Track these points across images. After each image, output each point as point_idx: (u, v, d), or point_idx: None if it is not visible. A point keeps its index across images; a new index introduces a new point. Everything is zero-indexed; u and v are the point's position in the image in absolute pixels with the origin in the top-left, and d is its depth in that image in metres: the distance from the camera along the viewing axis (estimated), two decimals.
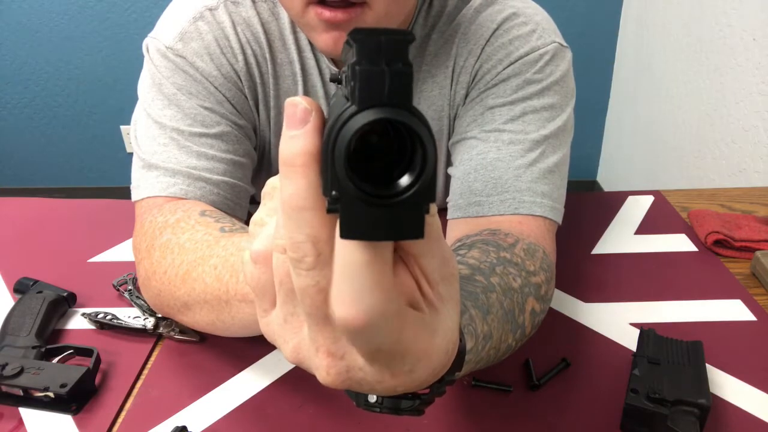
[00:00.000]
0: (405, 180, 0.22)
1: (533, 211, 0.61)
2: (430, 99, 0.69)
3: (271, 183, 0.30)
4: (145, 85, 0.65)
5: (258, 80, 0.67)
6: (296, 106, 0.24)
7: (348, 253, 0.23)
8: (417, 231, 0.22)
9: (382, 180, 0.22)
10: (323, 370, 0.27)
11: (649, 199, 0.88)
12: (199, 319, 0.54)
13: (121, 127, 2.36)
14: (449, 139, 0.70)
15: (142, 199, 0.62)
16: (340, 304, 0.23)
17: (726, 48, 1.45)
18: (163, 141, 0.62)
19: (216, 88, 0.64)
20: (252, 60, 0.66)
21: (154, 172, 0.61)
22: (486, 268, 0.50)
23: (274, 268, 0.26)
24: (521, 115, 0.64)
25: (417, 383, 0.28)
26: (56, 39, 2.22)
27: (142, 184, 0.62)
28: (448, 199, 0.67)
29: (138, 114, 0.65)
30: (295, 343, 0.28)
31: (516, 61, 0.64)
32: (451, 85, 0.68)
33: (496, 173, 0.62)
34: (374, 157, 0.22)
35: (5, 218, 0.86)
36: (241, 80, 0.66)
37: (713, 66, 1.52)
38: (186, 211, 0.58)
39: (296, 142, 0.23)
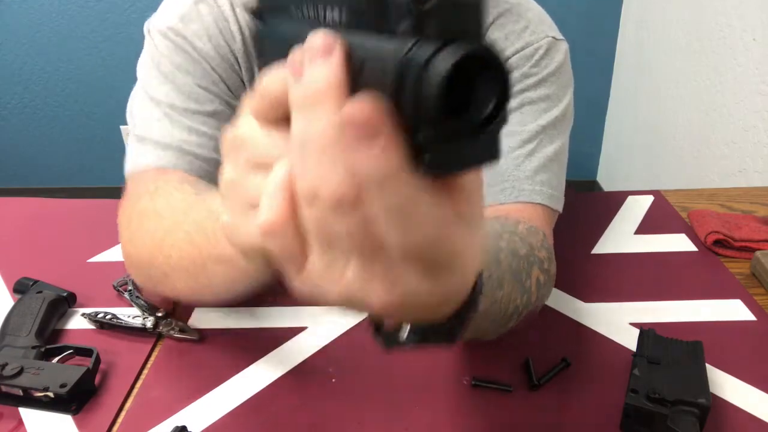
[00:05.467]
0: (490, 108, 0.21)
1: (533, 198, 0.62)
2: None
3: (237, 134, 0.28)
4: (143, 65, 0.67)
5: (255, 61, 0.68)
6: (317, 38, 0.22)
7: (404, 182, 0.22)
8: (496, 154, 0.22)
9: (466, 111, 0.21)
10: (380, 301, 0.26)
11: (649, 199, 0.88)
12: (179, 286, 0.53)
13: (121, 127, 2.36)
14: None
15: (132, 173, 0.62)
16: (400, 233, 0.23)
17: (726, 48, 1.45)
18: (157, 116, 0.63)
19: (213, 68, 0.65)
20: (250, 41, 0.67)
21: (146, 146, 0.63)
22: (493, 234, 0.51)
23: (307, 221, 0.25)
24: (519, 107, 0.65)
25: (463, 287, 0.28)
26: (56, 39, 2.22)
27: (133, 157, 0.63)
28: None
29: (135, 92, 0.67)
30: (344, 285, 0.26)
31: (511, 56, 0.66)
32: None
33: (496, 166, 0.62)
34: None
35: (5, 218, 0.86)
36: (238, 62, 0.67)
37: (713, 66, 1.52)
38: (167, 181, 0.59)
39: (324, 72, 0.22)
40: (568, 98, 0.68)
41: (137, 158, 0.62)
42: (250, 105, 0.28)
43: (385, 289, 0.25)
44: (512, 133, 0.64)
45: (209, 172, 0.62)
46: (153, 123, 0.63)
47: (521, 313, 0.51)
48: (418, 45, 0.20)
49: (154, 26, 0.66)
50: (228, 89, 0.66)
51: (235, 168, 0.29)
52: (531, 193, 0.62)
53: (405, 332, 0.34)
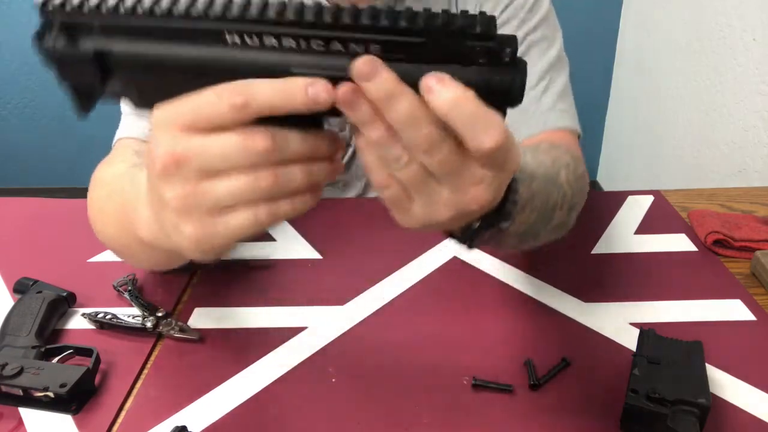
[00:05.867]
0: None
1: (558, 125, 0.71)
2: None
3: (177, 151, 0.32)
4: None
5: None
6: (433, 78, 0.30)
7: (474, 105, 0.30)
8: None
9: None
10: (476, 200, 0.34)
11: (649, 199, 0.88)
12: (140, 258, 0.57)
13: None
14: None
15: (113, 145, 0.69)
16: (485, 141, 0.31)
17: (726, 48, 1.45)
18: None
19: None
20: None
21: (126, 118, 0.69)
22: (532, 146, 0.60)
23: (406, 180, 0.34)
24: (527, 50, 0.73)
25: (516, 168, 0.36)
26: None
27: (117, 131, 0.69)
28: None
29: None
30: (443, 207, 0.35)
31: (507, 6, 0.74)
32: None
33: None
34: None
35: (5, 218, 0.86)
36: None
37: (713, 66, 1.52)
38: (126, 147, 0.64)
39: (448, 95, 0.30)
40: (560, 39, 0.77)
41: (118, 130, 0.68)
42: (178, 122, 0.32)
43: (478, 192, 0.34)
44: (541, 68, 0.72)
45: None
46: None
47: (561, 205, 0.57)
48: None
49: None
50: None
51: (186, 183, 0.32)
52: (556, 120, 0.71)
53: (475, 226, 0.43)
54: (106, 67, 0.33)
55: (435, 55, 0.30)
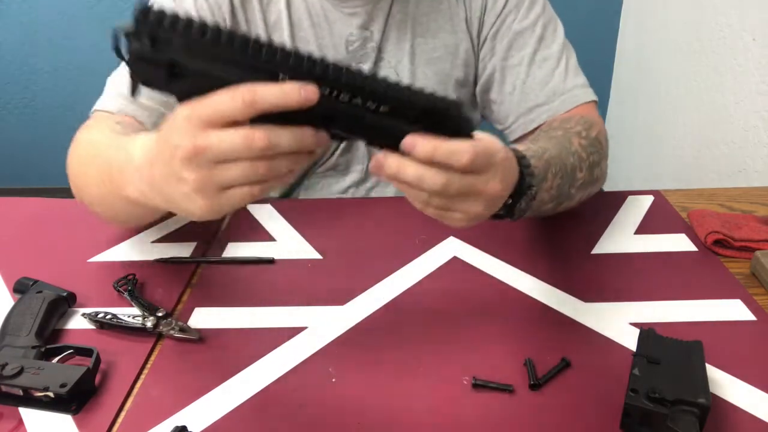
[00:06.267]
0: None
1: (583, 99, 0.83)
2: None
3: (197, 144, 0.42)
4: None
5: (242, 18, 0.82)
6: (463, 148, 0.46)
7: (442, 144, 0.45)
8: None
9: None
10: (492, 191, 0.49)
11: (649, 199, 0.88)
12: (117, 212, 0.68)
13: None
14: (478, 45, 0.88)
15: (91, 113, 0.79)
16: (462, 159, 0.45)
17: (726, 48, 1.45)
18: (121, 71, 0.80)
19: None
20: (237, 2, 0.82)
21: (108, 92, 0.78)
22: (537, 134, 0.77)
23: (437, 204, 0.48)
24: (543, 32, 0.84)
25: (505, 158, 0.51)
26: (56, 39, 2.22)
27: (98, 101, 0.78)
28: (511, 120, 0.87)
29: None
30: (472, 206, 0.49)
31: (503, 5, 0.84)
32: (464, 4, 0.85)
33: (549, 86, 0.83)
34: None
35: (5, 218, 0.86)
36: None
37: (713, 66, 1.52)
38: (105, 119, 0.73)
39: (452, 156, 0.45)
40: (559, 21, 0.87)
41: (100, 102, 0.78)
42: (201, 119, 0.41)
43: (493, 196, 0.50)
44: (547, 57, 0.84)
45: (151, 118, 0.76)
46: (116, 77, 0.80)
47: (580, 167, 0.71)
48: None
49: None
50: None
51: (202, 168, 0.43)
52: (582, 96, 0.83)
53: (509, 202, 0.56)
54: (174, 73, 0.41)
55: (419, 117, 0.45)
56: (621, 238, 0.79)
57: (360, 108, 0.43)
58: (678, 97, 1.72)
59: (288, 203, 0.89)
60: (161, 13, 0.39)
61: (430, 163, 0.44)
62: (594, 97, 0.85)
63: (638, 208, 0.86)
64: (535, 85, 0.83)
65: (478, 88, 0.90)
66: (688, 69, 1.65)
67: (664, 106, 1.82)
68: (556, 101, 0.82)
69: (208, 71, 0.41)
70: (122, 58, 0.40)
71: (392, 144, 0.45)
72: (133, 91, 0.43)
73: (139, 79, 0.42)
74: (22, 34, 2.22)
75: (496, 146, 0.49)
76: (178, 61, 0.40)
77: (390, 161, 0.45)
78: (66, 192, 0.76)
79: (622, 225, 0.82)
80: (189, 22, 0.40)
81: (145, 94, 0.70)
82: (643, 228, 0.81)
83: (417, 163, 0.44)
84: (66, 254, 0.77)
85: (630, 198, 0.88)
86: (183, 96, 0.42)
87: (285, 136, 0.42)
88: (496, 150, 0.49)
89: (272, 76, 0.41)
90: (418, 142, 0.44)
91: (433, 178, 0.45)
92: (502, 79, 0.86)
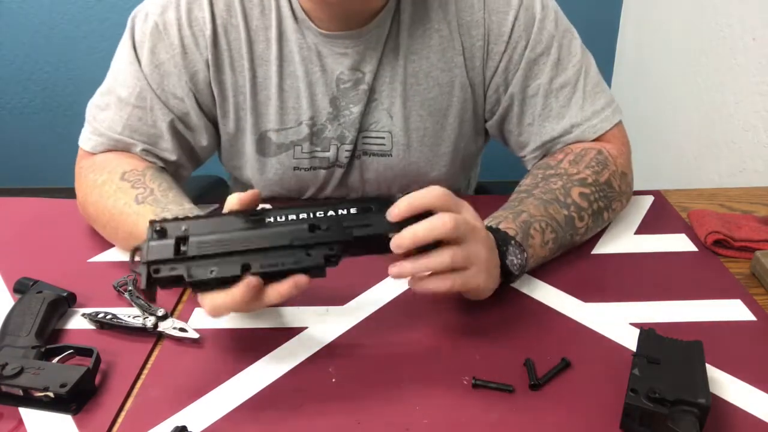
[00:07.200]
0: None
1: (604, 128, 0.82)
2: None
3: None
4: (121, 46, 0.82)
5: (225, 47, 0.79)
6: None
7: (420, 227, 0.54)
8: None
9: None
10: (476, 257, 0.58)
11: (649, 199, 0.88)
12: (101, 232, 0.77)
13: None
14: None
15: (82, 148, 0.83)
16: (445, 229, 0.54)
17: (726, 48, 1.45)
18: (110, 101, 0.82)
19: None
20: (221, 30, 0.78)
21: (119, 107, 0.81)
22: (531, 189, 0.74)
23: (436, 283, 0.57)
24: (558, 54, 0.81)
25: (474, 225, 0.58)
26: (56, 39, 2.22)
27: (83, 133, 0.82)
28: (527, 150, 0.85)
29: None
30: (472, 277, 0.58)
31: (512, 25, 0.79)
32: (460, 37, 0.81)
33: (566, 119, 0.81)
34: None
35: (5, 218, 0.86)
36: (209, 69, 0.79)
37: (713, 66, 1.52)
38: (110, 173, 0.76)
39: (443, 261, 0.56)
40: (573, 30, 0.84)
41: (104, 117, 0.81)
42: (223, 308, 0.54)
43: (482, 276, 0.59)
44: (564, 84, 0.81)
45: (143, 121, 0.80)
46: (113, 82, 0.84)
47: (580, 216, 0.72)
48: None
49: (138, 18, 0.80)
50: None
51: (214, 310, 0.54)
52: (600, 125, 0.81)
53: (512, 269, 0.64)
54: (178, 281, 0.53)
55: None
56: (621, 238, 0.79)
57: (334, 256, 0.54)
58: (678, 97, 1.72)
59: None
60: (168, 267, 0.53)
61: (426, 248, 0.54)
62: (614, 120, 0.83)
63: (638, 208, 0.86)
64: (552, 117, 0.81)
65: (492, 121, 0.87)
66: (688, 69, 1.65)
67: (664, 106, 1.82)
68: (573, 133, 0.81)
69: (203, 280, 0.53)
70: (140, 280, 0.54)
71: (385, 250, 0.54)
72: (151, 298, 0.54)
73: (152, 292, 0.54)
74: (22, 34, 2.22)
75: (468, 214, 0.57)
76: (180, 276, 0.52)
77: (403, 268, 0.55)
78: (66, 192, 0.77)
79: (622, 225, 0.82)
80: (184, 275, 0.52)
81: (136, 117, 0.80)
82: (643, 228, 0.81)
83: (420, 255, 0.54)
84: (66, 254, 0.77)
85: (630, 198, 0.88)
86: (193, 289, 0.56)
87: (273, 294, 0.54)
88: (471, 216, 0.58)
89: (246, 270, 0.53)
90: (402, 241, 0.53)
91: (441, 256, 0.54)
92: (519, 111, 0.83)
